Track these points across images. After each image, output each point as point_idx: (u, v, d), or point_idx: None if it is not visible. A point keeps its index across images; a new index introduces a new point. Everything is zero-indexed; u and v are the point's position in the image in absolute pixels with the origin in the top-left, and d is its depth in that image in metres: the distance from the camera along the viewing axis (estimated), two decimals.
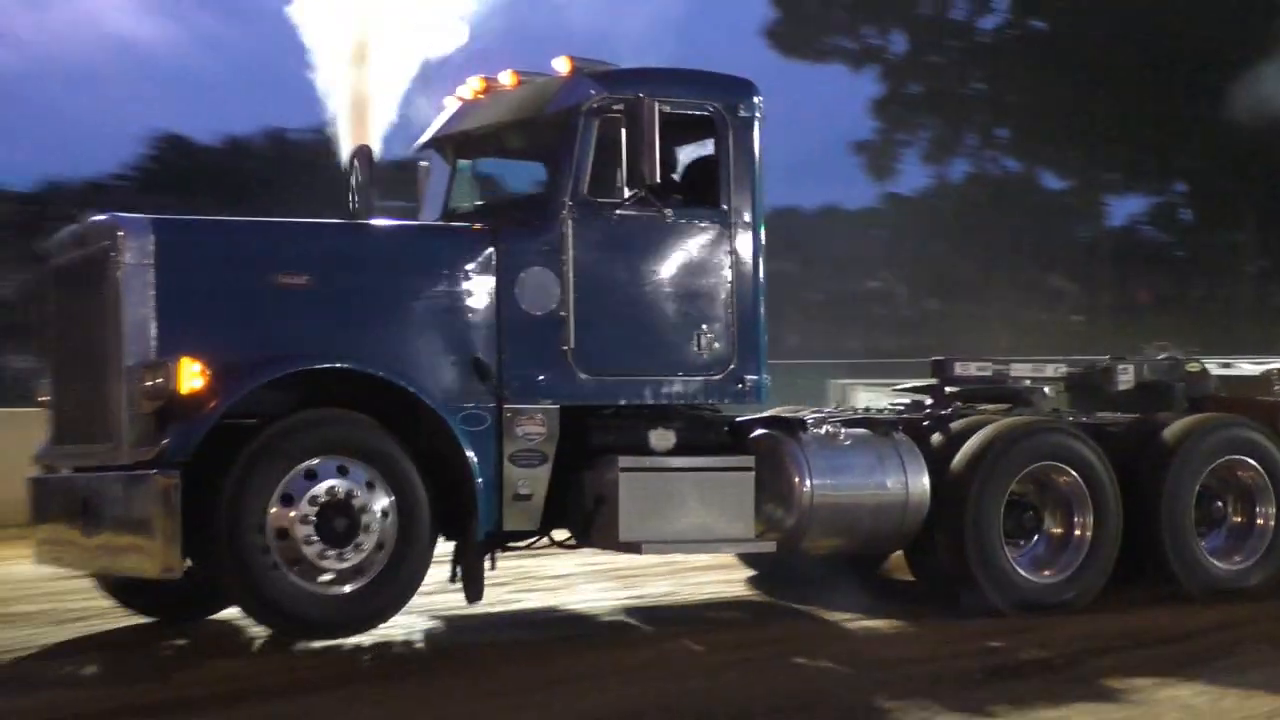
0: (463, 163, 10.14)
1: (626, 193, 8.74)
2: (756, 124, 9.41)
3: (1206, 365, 11.57)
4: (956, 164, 45.00)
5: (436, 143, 10.20)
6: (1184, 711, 6.97)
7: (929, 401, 10.69)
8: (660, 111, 8.77)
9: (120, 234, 8.32)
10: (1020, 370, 10.88)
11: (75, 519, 8.67)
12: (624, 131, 8.69)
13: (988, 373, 10.69)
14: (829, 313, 43.50)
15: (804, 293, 45.90)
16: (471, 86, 9.62)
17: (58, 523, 9.11)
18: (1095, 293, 44.00)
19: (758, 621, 9.59)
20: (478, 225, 9.68)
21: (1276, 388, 12.15)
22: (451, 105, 9.94)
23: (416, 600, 9.21)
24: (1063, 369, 11.41)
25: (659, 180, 8.66)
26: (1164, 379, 11.09)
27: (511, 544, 9.27)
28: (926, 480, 9.54)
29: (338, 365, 8.36)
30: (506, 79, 9.46)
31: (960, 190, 44.99)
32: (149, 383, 7.99)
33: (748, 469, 9.16)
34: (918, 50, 43.56)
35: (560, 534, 9.57)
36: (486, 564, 9.07)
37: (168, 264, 8.19)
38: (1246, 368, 13.44)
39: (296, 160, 52.44)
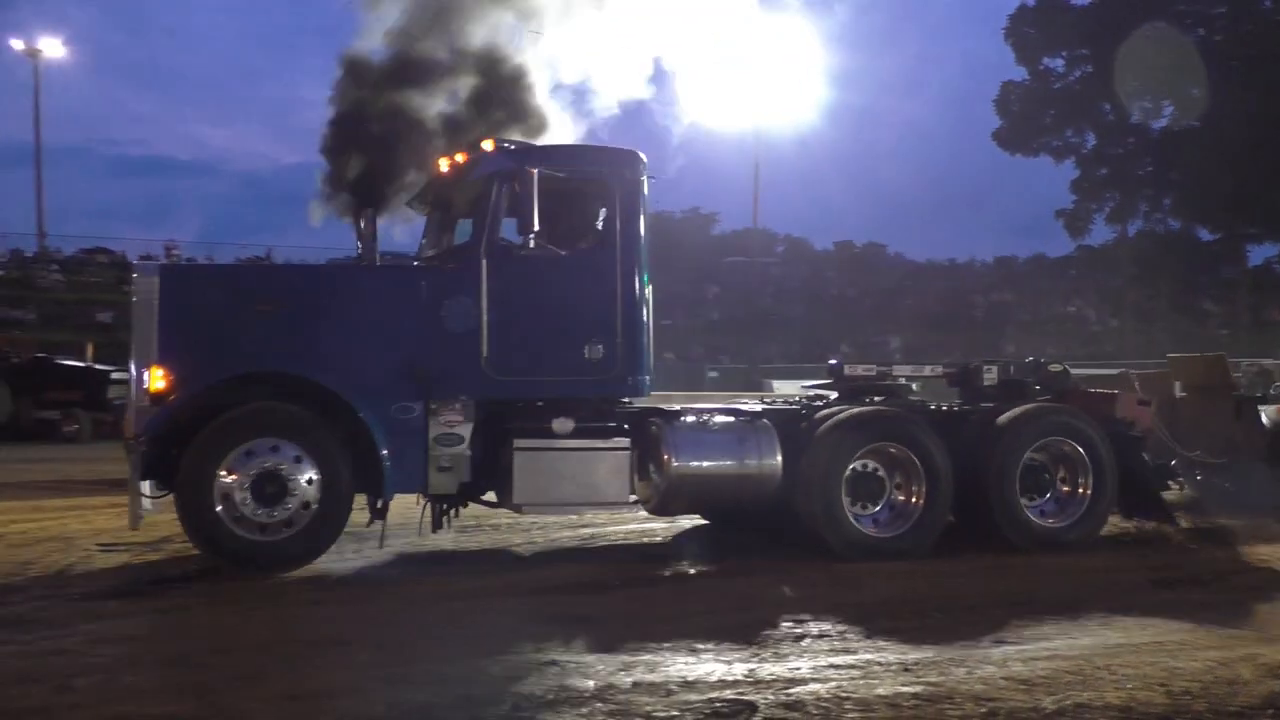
0: (433, 216, 9.58)
1: (526, 240, 8.22)
2: (641, 184, 8.77)
3: (1066, 366, 10.55)
4: (1132, 224, 46.52)
5: (417, 201, 9.65)
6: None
7: (834, 395, 9.83)
8: (557, 178, 8.29)
9: (136, 276, 8.29)
10: (901, 371, 10.08)
11: None
12: (520, 194, 8.16)
13: (873, 373, 9.89)
14: (1035, 329, 45.61)
15: (1017, 316, 48.28)
16: (445, 159, 9.05)
17: None
18: (1237, 314, 44.94)
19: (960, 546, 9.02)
20: (413, 264, 9.25)
21: (1135, 384, 11.46)
22: (434, 172, 9.29)
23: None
24: (939, 369, 10.50)
25: (537, 229, 8.10)
26: (1026, 377, 10.15)
27: (472, 502, 8.74)
28: (778, 459, 8.69)
29: (268, 369, 7.96)
30: (459, 156, 8.92)
31: (1134, 242, 46.04)
32: (142, 385, 7.87)
33: (624, 448, 8.51)
34: (1104, 145, 45.53)
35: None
36: (451, 514, 8.76)
37: (168, 298, 8.00)
38: (1108, 371, 12.95)
39: (674, 232, 61.18)
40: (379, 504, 8.31)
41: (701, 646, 6.23)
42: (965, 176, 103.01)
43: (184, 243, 44.04)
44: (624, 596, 7.68)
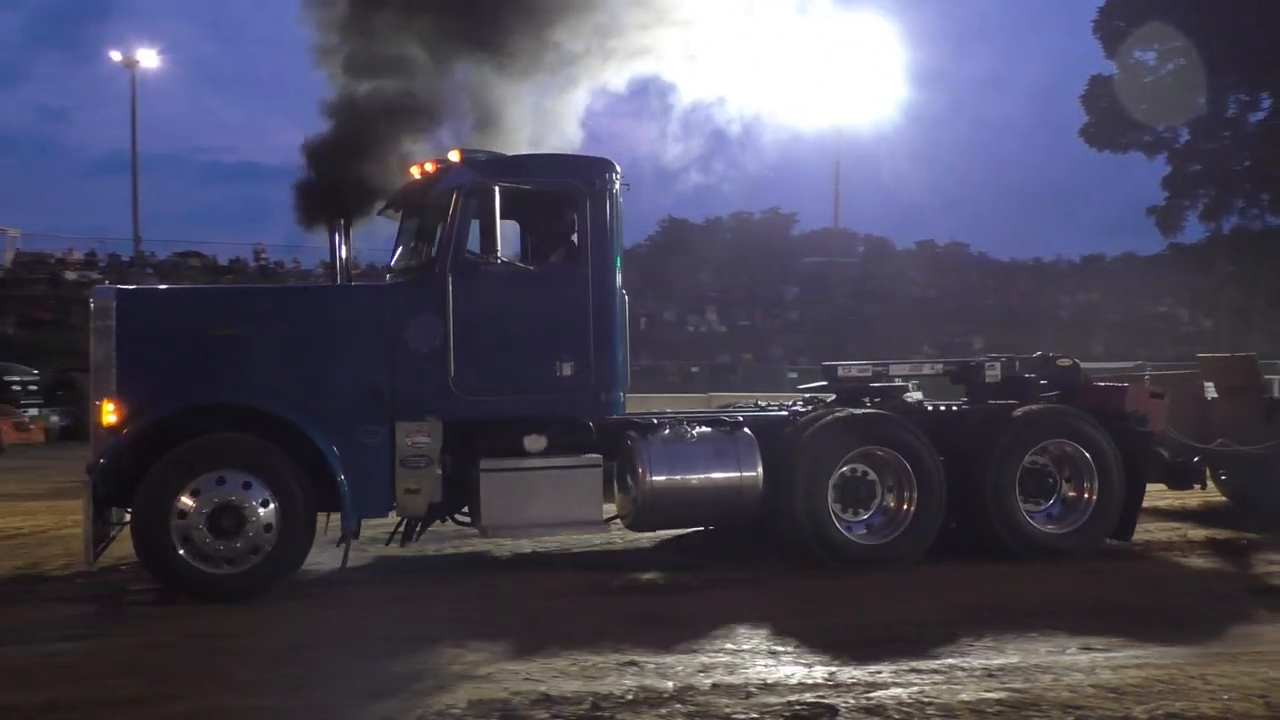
0: (404, 226, 9.14)
1: (490, 258, 7.95)
2: (611, 194, 8.37)
3: (1075, 360, 10.12)
4: (1227, 220, 44.26)
5: (389, 208, 9.28)
6: None
7: (830, 399, 9.58)
8: (525, 189, 8.07)
9: (93, 301, 7.98)
10: (899, 370, 9.72)
11: None
12: (483, 211, 8.00)
13: (868, 373, 9.58)
14: (1124, 330, 43.89)
15: (1105, 316, 46.56)
16: (418, 166, 8.77)
17: None
18: None
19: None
20: (375, 283, 8.90)
21: (1147, 377, 11.27)
22: (408, 178, 8.99)
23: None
24: (939, 367, 10.19)
25: (500, 249, 7.95)
26: (1034, 373, 9.70)
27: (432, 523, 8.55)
28: (759, 469, 8.45)
29: (225, 401, 7.69)
30: (429, 165, 8.64)
31: (1230, 239, 44.27)
32: (97, 416, 7.67)
33: (596, 465, 8.25)
34: (1197, 140, 43.61)
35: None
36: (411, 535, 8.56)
37: (125, 323, 7.72)
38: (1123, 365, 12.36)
39: (754, 233, 61.22)
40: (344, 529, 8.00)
41: (781, 649, 6.26)
42: (1051, 174, 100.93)
43: (272, 246, 44.86)
44: (702, 598, 7.66)
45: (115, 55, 47.97)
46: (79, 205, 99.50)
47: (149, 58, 47.55)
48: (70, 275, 40.19)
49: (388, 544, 8.69)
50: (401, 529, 8.58)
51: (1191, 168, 44.31)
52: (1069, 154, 61.47)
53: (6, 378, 25.31)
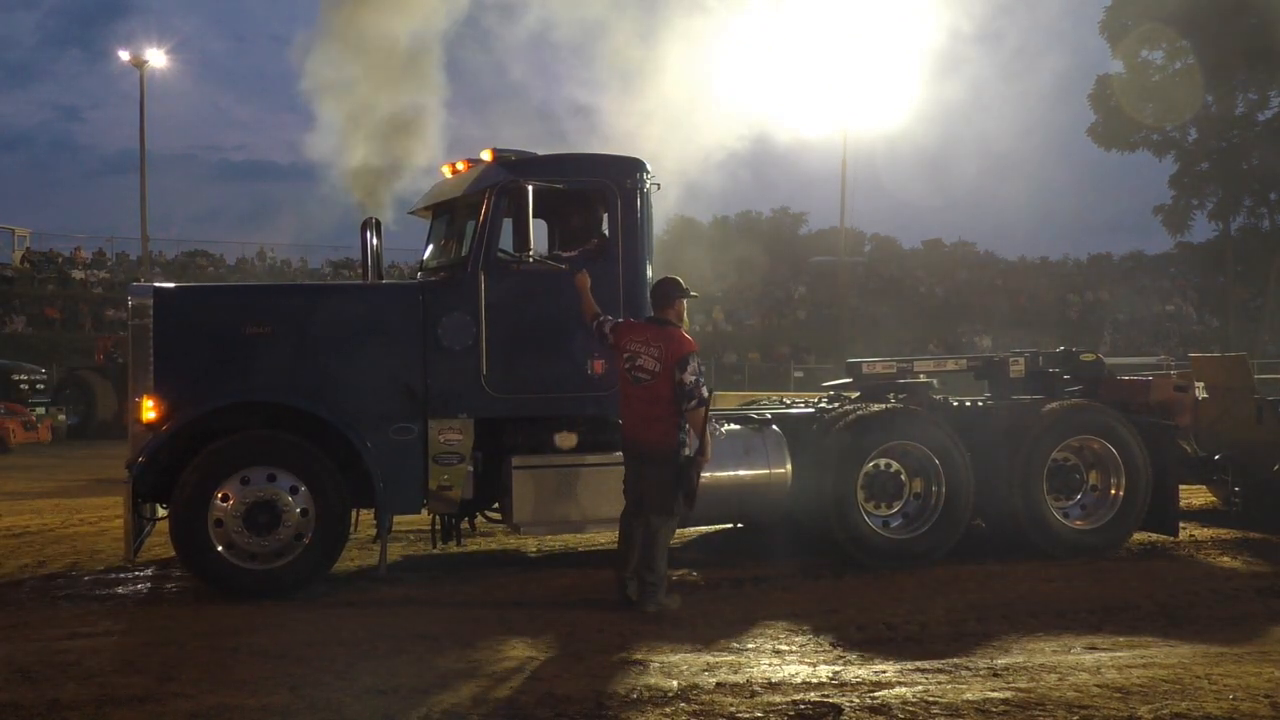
0: (435, 225, 9.18)
1: (523, 256, 7.94)
2: (642, 193, 8.36)
3: (1099, 355, 10.14)
4: (1235, 219, 44.97)
5: (422, 209, 9.33)
6: None
7: (854, 396, 9.57)
8: (557, 188, 8.06)
9: (130, 299, 8.01)
10: (923, 366, 9.75)
11: None
12: (515, 209, 7.98)
13: (893, 370, 9.60)
14: (1132, 328, 44.04)
15: (1113, 314, 46.76)
16: (450, 165, 8.84)
17: None
18: None
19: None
20: (408, 281, 8.92)
21: (1171, 371, 11.19)
22: (439, 179, 9.08)
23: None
24: (963, 363, 10.23)
25: (533, 247, 7.92)
26: (1058, 368, 9.72)
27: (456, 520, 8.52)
28: (788, 465, 8.46)
29: (261, 399, 7.74)
30: (460, 164, 8.71)
31: (1238, 238, 44.87)
32: (136, 413, 7.69)
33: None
34: (1206, 138, 43.55)
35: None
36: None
37: (162, 320, 7.74)
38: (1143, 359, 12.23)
39: (761, 234, 61.00)
40: (379, 526, 8.01)
41: (786, 648, 6.24)
42: (1060, 173, 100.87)
43: (280, 245, 44.91)
44: (709, 597, 7.66)
45: (123, 55, 47.92)
46: (90, 204, 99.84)
47: (157, 57, 47.49)
48: (78, 274, 40.26)
49: (436, 546, 8.71)
50: (438, 528, 8.62)
51: (1200, 167, 44.36)
52: (1078, 153, 61.30)
53: (14, 376, 25.35)
